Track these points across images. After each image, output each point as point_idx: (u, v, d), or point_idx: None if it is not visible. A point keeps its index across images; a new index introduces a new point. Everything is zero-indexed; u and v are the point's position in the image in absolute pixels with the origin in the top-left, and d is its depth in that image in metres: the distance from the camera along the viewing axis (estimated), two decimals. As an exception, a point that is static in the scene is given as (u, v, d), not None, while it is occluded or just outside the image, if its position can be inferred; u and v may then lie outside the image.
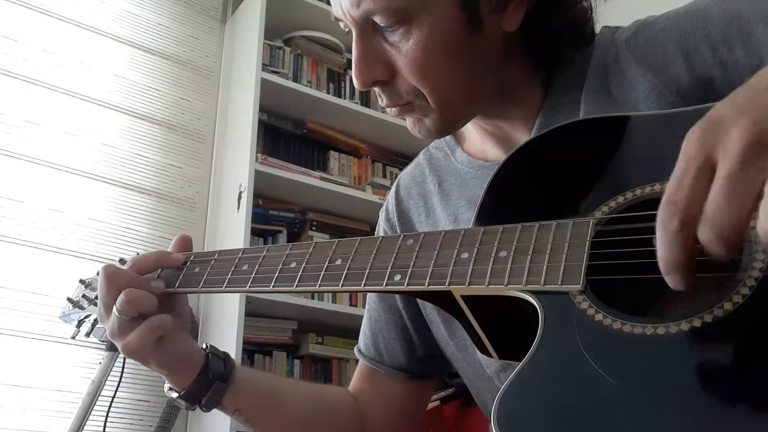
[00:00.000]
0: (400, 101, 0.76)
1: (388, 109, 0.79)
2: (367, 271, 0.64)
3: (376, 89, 0.77)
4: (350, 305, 2.57)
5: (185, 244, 0.82)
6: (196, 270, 0.74)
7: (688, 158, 0.45)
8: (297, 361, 2.49)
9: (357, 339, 1.03)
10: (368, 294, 1.01)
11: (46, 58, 2.45)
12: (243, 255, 0.72)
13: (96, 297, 0.83)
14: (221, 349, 0.83)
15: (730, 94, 0.47)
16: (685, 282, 0.46)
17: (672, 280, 0.47)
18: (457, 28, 0.72)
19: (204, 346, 0.82)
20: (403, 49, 0.72)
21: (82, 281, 0.88)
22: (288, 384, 0.96)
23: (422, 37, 0.71)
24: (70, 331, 0.89)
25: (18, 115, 2.35)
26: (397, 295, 0.95)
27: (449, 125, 0.80)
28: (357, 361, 1.01)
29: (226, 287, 0.72)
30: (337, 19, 0.77)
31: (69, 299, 0.87)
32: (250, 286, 0.69)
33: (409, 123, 0.80)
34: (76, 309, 0.86)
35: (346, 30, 0.77)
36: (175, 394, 0.80)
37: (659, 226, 0.46)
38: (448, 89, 0.74)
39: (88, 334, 0.88)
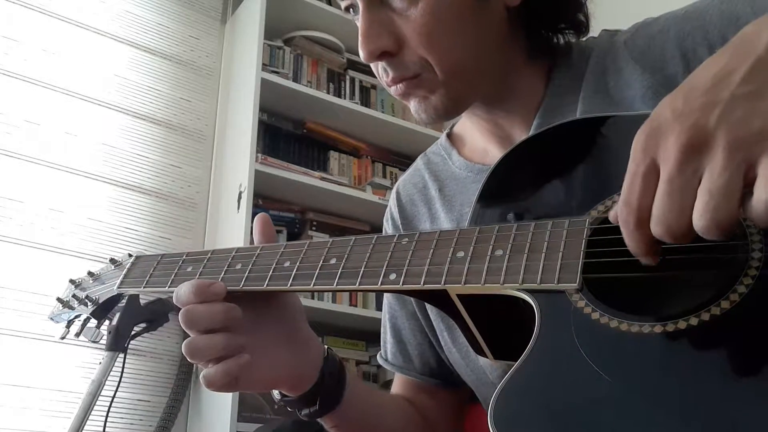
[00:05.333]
0: (407, 73, 0.75)
1: (392, 89, 0.78)
2: (362, 269, 0.64)
3: (382, 64, 0.76)
4: (350, 305, 2.56)
5: (267, 226, 0.75)
6: (189, 269, 0.73)
7: (636, 163, 0.49)
8: (297, 361, 2.48)
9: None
10: (388, 304, 0.99)
11: (46, 58, 2.45)
12: (236, 254, 0.71)
13: (86, 297, 0.83)
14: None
15: (673, 91, 0.50)
16: (653, 261, 0.52)
17: (643, 261, 0.52)
18: None
19: (324, 355, 0.75)
20: (411, 15, 0.72)
21: (72, 281, 0.88)
22: (385, 399, 0.94)
23: (430, 2, 0.71)
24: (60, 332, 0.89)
25: (18, 115, 2.35)
26: (413, 303, 0.94)
27: (456, 102, 0.78)
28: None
29: None
30: None
31: (59, 299, 0.87)
32: (243, 285, 0.68)
33: (413, 105, 0.78)
34: (66, 309, 0.86)
35: (347, 7, 0.77)
36: (278, 395, 0.76)
37: (621, 224, 0.51)
38: (455, 57, 0.74)
39: (77, 335, 0.87)
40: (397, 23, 0.73)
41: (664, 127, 0.48)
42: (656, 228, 0.48)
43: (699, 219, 0.45)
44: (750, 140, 0.44)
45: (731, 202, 0.44)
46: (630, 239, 0.50)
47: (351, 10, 0.78)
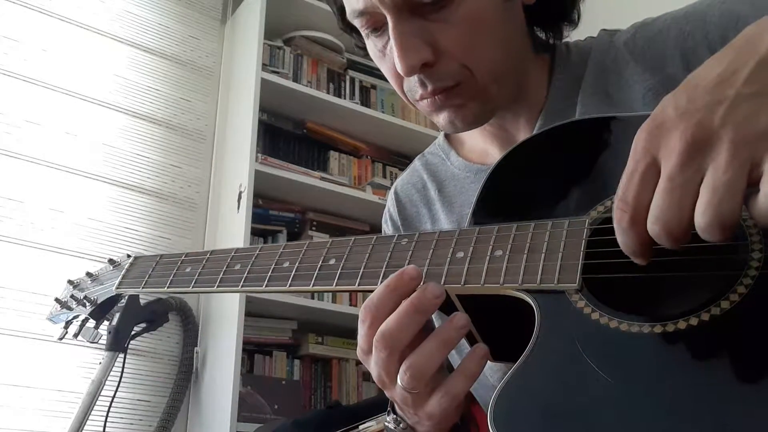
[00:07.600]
0: (448, 83, 0.73)
1: (424, 102, 0.75)
2: (362, 270, 0.64)
3: (417, 78, 0.73)
4: (350, 305, 2.56)
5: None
6: (188, 270, 0.73)
7: (636, 159, 0.48)
8: (297, 361, 2.49)
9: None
10: None
11: (46, 58, 2.45)
12: (235, 254, 0.72)
13: (84, 297, 0.82)
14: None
15: (677, 88, 0.50)
16: (644, 261, 0.51)
17: (635, 261, 0.52)
18: None
19: None
20: (452, 21, 0.70)
21: (70, 282, 0.88)
22: None
23: (471, 7, 0.70)
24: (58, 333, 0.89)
25: (18, 115, 2.35)
26: None
27: (492, 106, 0.77)
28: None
29: (218, 287, 0.71)
30: (362, 13, 0.73)
31: (57, 300, 0.87)
32: (242, 286, 0.69)
33: (446, 115, 0.76)
34: (64, 310, 0.86)
35: (367, 27, 0.74)
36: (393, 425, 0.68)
37: (614, 221, 0.50)
38: (497, 60, 0.73)
39: (76, 335, 0.87)
40: (433, 32, 0.71)
41: (667, 124, 0.47)
42: (653, 226, 0.47)
43: (701, 216, 0.45)
44: (755, 139, 0.44)
45: (735, 198, 0.44)
46: (623, 237, 0.49)
47: (371, 31, 0.75)
